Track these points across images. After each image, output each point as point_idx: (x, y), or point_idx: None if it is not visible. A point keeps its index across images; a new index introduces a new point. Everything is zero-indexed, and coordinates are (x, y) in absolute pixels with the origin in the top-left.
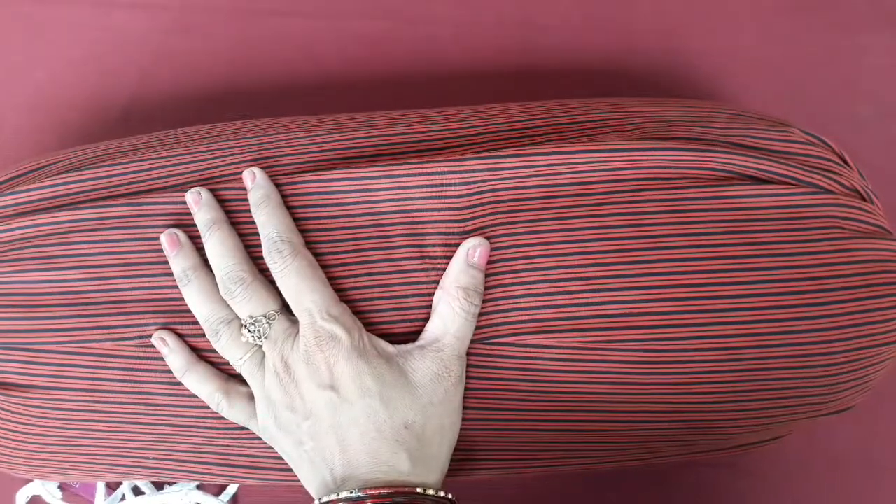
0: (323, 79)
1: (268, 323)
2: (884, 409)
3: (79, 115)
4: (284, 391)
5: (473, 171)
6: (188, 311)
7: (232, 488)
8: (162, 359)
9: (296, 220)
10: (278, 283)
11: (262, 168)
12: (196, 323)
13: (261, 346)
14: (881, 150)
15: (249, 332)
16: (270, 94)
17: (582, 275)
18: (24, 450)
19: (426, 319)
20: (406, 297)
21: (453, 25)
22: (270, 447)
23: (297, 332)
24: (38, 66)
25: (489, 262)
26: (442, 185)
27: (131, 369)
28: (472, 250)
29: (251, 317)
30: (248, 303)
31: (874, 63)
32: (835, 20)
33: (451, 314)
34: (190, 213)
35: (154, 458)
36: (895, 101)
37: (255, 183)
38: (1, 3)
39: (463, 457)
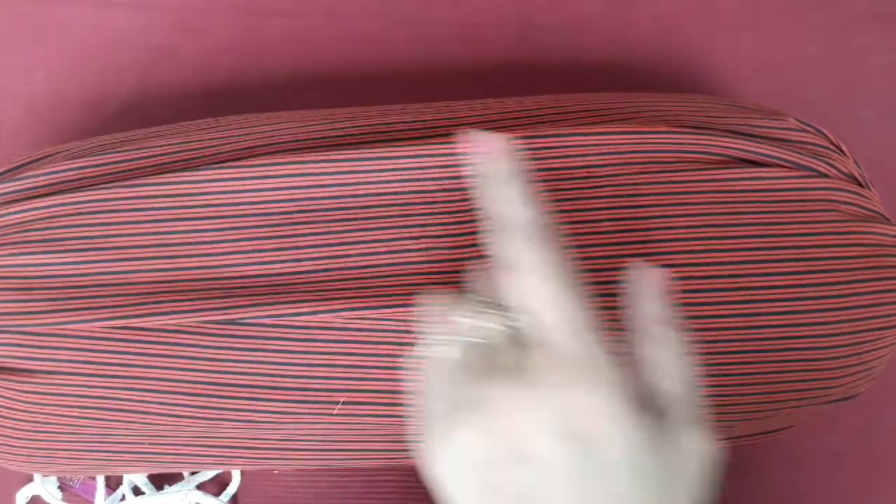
0: (323, 79)
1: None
2: (886, 405)
3: (78, 114)
4: None
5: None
6: (179, 291)
7: (232, 488)
8: (157, 343)
9: (298, 200)
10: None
11: (260, 153)
12: (200, 311)
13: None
14: (881, 151)
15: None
16: (270, 94)
17: (578, 256)
18: (20, 437)
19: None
20: (406, 275)
21: (453, 25)
22: (270, 434)
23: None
24: (37, 65)
25: (482, 244)
26: (444, 165)
27: (123, 353)
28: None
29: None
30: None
31: (874, 63)
32: (835, 20)
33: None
34: (187, 195)
35: (149, 444)
36: (895, 102)
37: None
38: (1, 3)
39: None
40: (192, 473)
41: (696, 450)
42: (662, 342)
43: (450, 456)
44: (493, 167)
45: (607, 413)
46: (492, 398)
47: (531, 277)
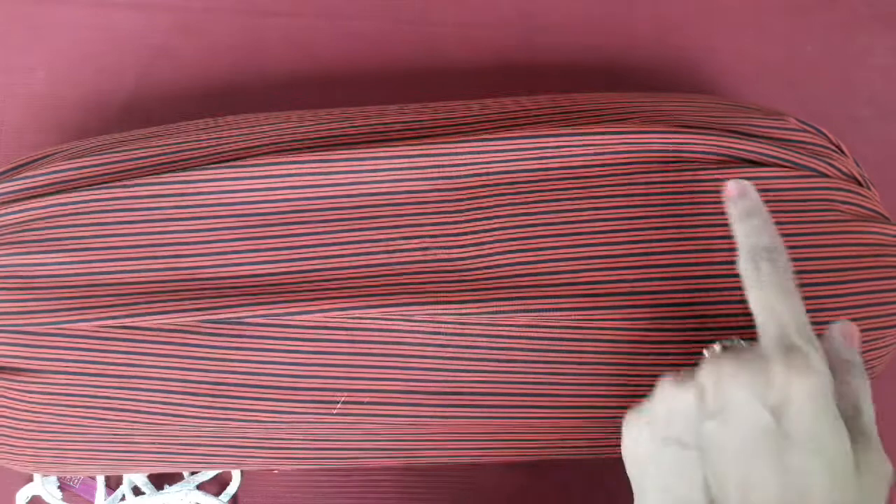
0: (323, 79)
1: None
2: (886, 406)
3: (78, 114)
4: None
5: (470, 152)
6: (174, 291)
7: (232, 488)
8: (155, 342)
9: (293, 200)
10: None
11: (258, 153)
12: (193, 311)
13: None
14: (881, 151)
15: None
16: (270, 94)
17: (578, 255)
18: (20, 437)
19: (423, 299)
20: (402, 274)
21: (453, 25)
22: (269, 433)
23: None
24: (37, 65)
25: (481, 243)
26: (439, 166)
27: (121, 352)
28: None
29: None
30: None
31: (874, 64)
32: (835, 20)
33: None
34: (184, 195)
35: (148, 443)
36: (895, 102)
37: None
38: (1, 3)
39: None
40: (192, 473)
41: (883, 473)
42: (854, 382)
43: (656, 402)
44: (741, 205)
45: (811, 397)
46: (718, 369)
47: (769, 290)
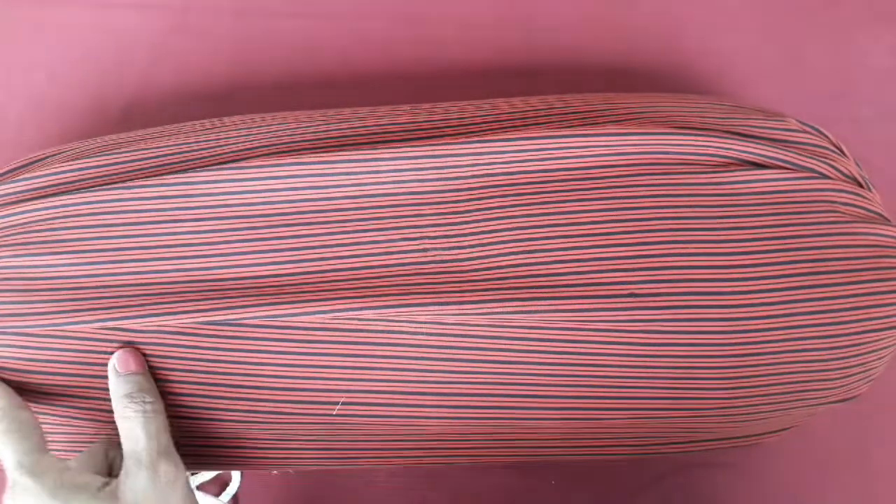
0: (323, 79)
1: None
2: (882, 410)
3: (79, 115)
4: None
5: (473, 153)
6: (179, 293)
7: (232, 488)
8: (155, 344)
9: (296, 201)
10: None
11: (260, 154)
12: (194, 312)
13: None
14: (882, 152)
15: None
16: (270, 94)
17: (579, 256)
18: None
19: (425, 299)
20: (404, 275)
21: (454, 25)
22: (269, 434)
23: None
24: (38, 66)
25: (484, 244)
26: (440, 167)
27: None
28: (116, 363)
29: None
30: None
31: (875, 64)
32: (835, 20)
33: (129, 425)
34: (187, 196)
35: None
36: (895, 102)
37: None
38: (1, 4)
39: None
40: (192, 473)
41: (134, 489)
42: (132, 415)
43: None
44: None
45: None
46: None
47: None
